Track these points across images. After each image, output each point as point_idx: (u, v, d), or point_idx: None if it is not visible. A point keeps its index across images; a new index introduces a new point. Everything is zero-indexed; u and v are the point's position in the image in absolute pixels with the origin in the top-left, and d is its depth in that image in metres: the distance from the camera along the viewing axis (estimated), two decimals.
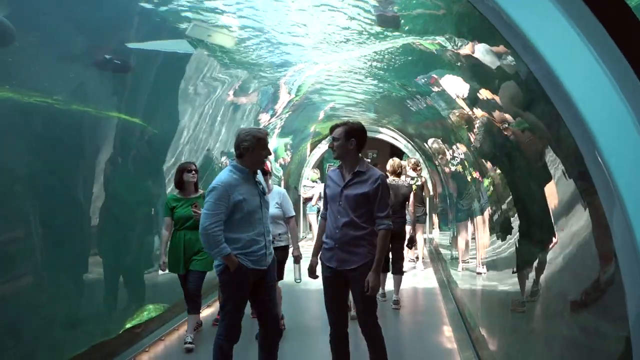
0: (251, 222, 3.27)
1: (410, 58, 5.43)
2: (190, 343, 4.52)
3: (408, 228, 6.44)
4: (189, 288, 4.59)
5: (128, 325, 4.71)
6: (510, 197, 3.68)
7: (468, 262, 5.77)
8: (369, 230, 3.28)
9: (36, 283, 3.58)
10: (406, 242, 6.27)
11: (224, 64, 5.80)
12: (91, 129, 4.29)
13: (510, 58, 2.63)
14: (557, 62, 1.70)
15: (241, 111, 7.39)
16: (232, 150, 7.40)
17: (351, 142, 3.28)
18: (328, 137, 3.92)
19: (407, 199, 6.06)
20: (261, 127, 7.69)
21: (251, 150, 3.25)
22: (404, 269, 6.29)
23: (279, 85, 7.21)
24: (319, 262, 3.46)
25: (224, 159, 7.32)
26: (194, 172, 4.67)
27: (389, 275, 6.10)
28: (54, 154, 3.80)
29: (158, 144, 5.54)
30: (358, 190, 3.25)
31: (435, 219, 11.20)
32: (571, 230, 2.22)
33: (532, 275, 2.91)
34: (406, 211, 6.20)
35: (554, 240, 2.52)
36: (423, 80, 5.69)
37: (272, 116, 8.35)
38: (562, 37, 1.68)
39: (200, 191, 4.70)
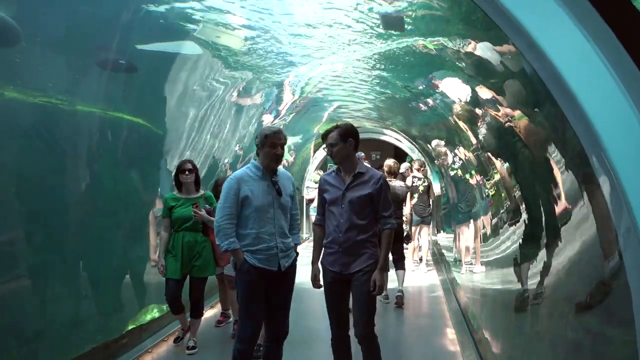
0: (260, 219, 3.24)
1: (413, 59, 5.42)
2: (193, 347, 4.49)
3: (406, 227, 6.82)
4: (192, 295, 4.52)
5: (130, 326, 4.70)
6: (514, 198, 3.66)
7: (471, 264, 5.75)
8: (371, 232, 3.26)
9: (37, 283, 3.57)
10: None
11: (228, 65, 5.80)
12: (94, 128, 4.28)
13: (514, 58, 2.62)
14: (563, 63, 1.69)
15: (245, 112, 7.39)
16: (235, 151, 7.48)
17: (349, 142, 3.25)
18: (322, 146, 3.83)
19: (405, 199, 6.44)
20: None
21: (261, 147, 3.28)
22: (408, 268, 6.50)
23: (283, 86, 7.21)
24: (320, 267, 3.41)
25: (227, 160, 7.32)
26: (187, 172, 4.45)
27: (391, 275, 6.12)
28: (55, 154, 3.80)
29: (161, 144, 5.54)
30: (361, 192, 3.22)
31: (438, 220, 11.17)
32: (576, 231, 2.21)
33: (536, 276, 2.89)
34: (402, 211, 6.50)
35: (559, 241, 2.50)
36: (426, 82, 5.69)
37: (275, 117, 8.34)
38: (568, 37, 1.67)
39: (201, 191, 4.60)
